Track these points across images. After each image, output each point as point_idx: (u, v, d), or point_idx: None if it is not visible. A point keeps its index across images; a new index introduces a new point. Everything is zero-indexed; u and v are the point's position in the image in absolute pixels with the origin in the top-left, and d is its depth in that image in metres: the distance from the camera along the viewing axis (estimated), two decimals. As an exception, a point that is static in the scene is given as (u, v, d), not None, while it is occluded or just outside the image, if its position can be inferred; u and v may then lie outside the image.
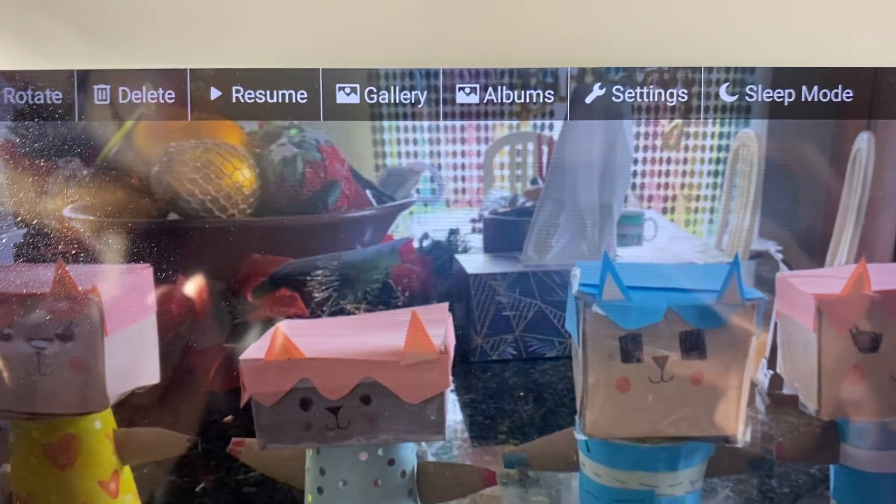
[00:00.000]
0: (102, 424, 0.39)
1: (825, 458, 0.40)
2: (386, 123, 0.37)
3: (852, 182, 0.37)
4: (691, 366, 0.38)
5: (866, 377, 0.39)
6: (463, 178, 0.38)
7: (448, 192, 0.38)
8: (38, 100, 0.37)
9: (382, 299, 0.38)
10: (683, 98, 0.37)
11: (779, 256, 0.38)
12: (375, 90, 0.37)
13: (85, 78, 0.37)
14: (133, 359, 0.38)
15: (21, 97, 0.37)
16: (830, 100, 0.37)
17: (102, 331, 0.38)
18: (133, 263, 0.38)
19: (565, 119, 0.37)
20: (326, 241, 0.37)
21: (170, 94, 0.37)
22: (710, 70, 0.37)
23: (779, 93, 0.37)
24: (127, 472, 0.39)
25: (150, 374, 0.39)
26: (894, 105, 0.37)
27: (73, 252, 0.38)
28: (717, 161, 0.37)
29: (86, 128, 0.37)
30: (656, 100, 0.37)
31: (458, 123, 0.37)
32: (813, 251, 0.38)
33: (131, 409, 0.38)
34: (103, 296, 0.38)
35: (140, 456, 0.39)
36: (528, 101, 0.37)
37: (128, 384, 0.39)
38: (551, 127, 0.37)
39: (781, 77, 0.37)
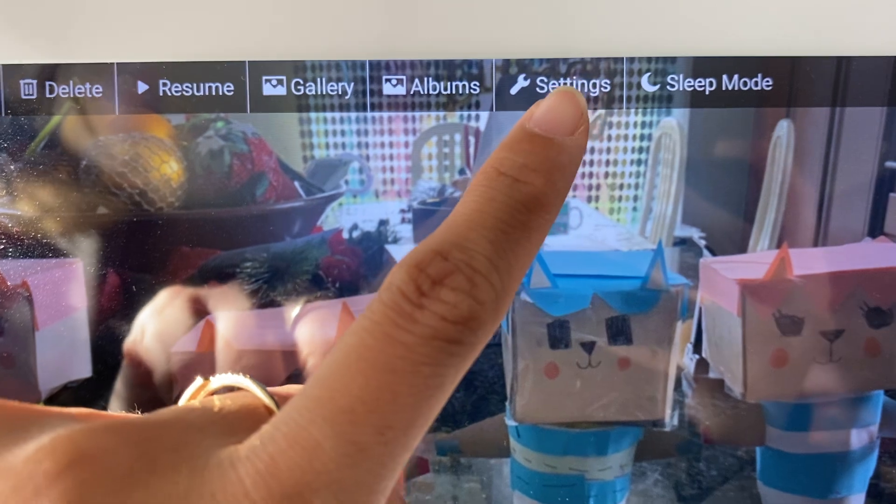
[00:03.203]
0: (34, 419, 0.40)
1: (751, 440, 0.42)
2: (313, 115, 0.39)
3: (773, 169, 0.40)
4: (618, 351, 0.40)
5: (790, 360, 0.41)
6: (391, 169, 0.40)
7: (377, 182, 0.40)
8: (-37, 95, 0.38)
9: (313, 290, 0.40)
10: (606, 88, 0.39)
11: (702, 242, 0.40)
12: (302, 82, 0.39)
13: (11, 73, 0.39)
14: (64, 353, 0.40)
15: (-55, 92, 0.38)
16: (750, 88, 0.39)
17: (33, 326, 0.40)
18: (62, 258, 0.39)
19: (491, 110, 0.39)
20: (255, 233, 0.39)
21: (97, 88, 0.39)
22: (631, 60, 0.39)
23: (700, 82, 0.39)
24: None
25: (81, 368, 0.40)
26: (812, 93, 0.40)
27: (1, 247, 0.39)
28: (640, 150, 0.39)
29: (12, 123, 0.39)
30: (580, 90, 0.39)
31: (385, 115, 0.39)
32: (735, 237, 0.40)
33: (63, 404, 0.40)
34: (33, 291, 0.39)
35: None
36: (454, 92, 0.39)
37: (59, 378, 0.40)
38: (477, 118, 0.39)
39: (702, 66, 0.39)
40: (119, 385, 0.40)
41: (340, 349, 0.17)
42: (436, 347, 0.16)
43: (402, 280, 0.17)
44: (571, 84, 0.39)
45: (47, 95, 0.39)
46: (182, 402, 0.19)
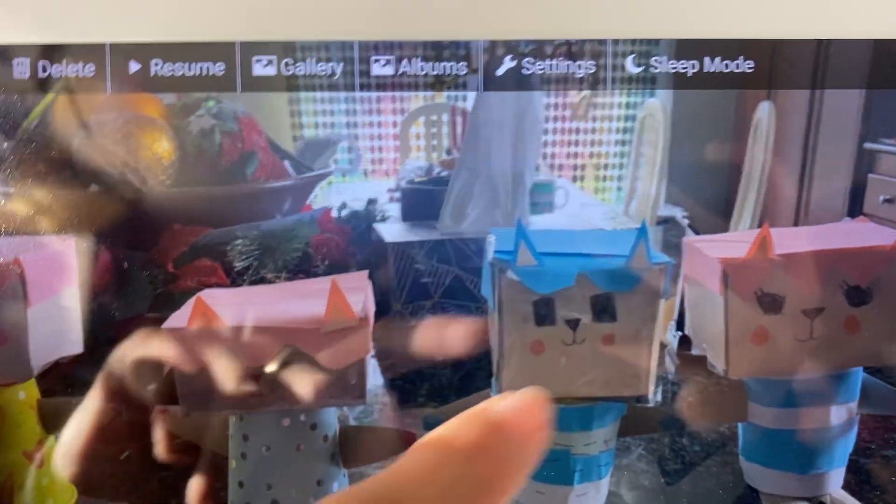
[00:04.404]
0: (26, 395, 0.41)
1: (733, 416, 0.43)
2: (303, 95, 0.40)
3: (754, 150, 0.41)
4: (603, 328, 0.42)
5: (771, 338, 0.42)
6: (380, 149, 0.41)
7: (365, 162, 0.41)
8: (-44, 73, 0.39)
9: (302, 268, 0.41)
10: (591, 70, 0.40)
11: (685, 222, 0.41)
12: (292, 62, 0.40)
13: (4, 52, 0.40)
14: (56, 329, 0.41)
15: (-61, 71, 0.39)
16: (732, 71, 0.41)
17: (25, 302, 0.41)
18: (55, 235, 0.40)
19: (478, 91, 0.40)
20: (246, 211, 0.40)
21: (89, 67, 0.40)
22: (616, 42, 0.40)
23: (682, 64, 0.40)
24: (52, 441, 0.42)
25: (73, 344, 0.41)
26: (793, 76, 0.41)
27: (-6, 224, 0.40)
28: (625, 131, 0.41)
29: (5, 101, 0.40)
30: (565, 72, 0.40)
31: (373, 95, 0.40)
32: (718, 216, 0.41)
33: (55, 379, 0.41)
34: (25, 267, 0.41)
35: (64, 425, 0.41)
36: (441, 73, 0.40)
37: (51, 354, 0.41)
38: (465, 98, 0.40)
39: (685, 49, 0.40)
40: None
41: None
42: None
43: None
44: (557, 65, 0.40)
45: (40, 75, 0.40)
46: None
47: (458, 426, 0.19)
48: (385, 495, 0.17)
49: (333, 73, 0.40)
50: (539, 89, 0.40)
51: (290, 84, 0.40)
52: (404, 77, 0.40)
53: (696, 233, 0.41)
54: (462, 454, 0.18)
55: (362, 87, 0.40)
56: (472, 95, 0.40)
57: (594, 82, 0.41)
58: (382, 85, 0.40)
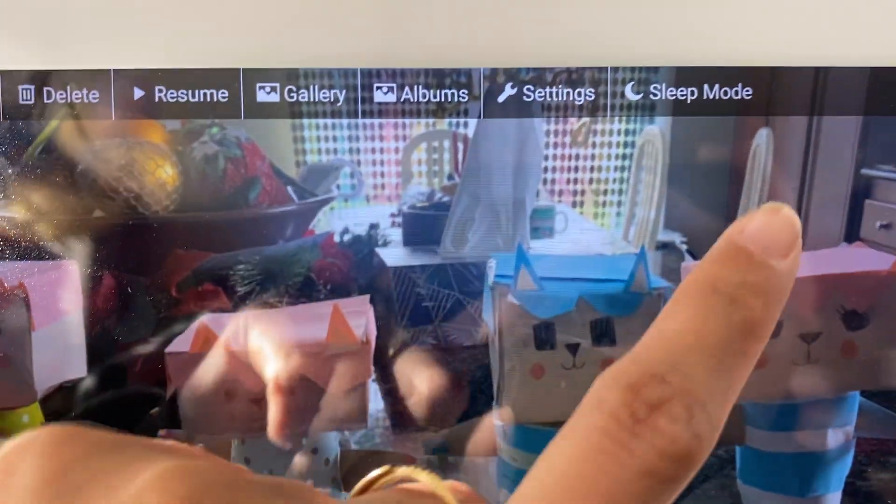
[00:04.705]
0: (30, 418, 0.42)
1: (731, 439, 0.44)
2: (306, 121, 0.41)
3: (752, 175, 0.42)
4: (602, 352, 0.42)
5: (768, 361, 0.43)
6: (382, 175, 0.41)
7: (368, 187, 0.41)
8: (-38, 100, 0.40)
9: (304, 293, 0.41)
10: (591, 97, 0.41)
11: (684, 247, 0.42)
12: (295, 89, 0.40)
13: (9, 78, 0.40)
14: (60, 353, 0.41)
15: (-55, 97, 0.40)
16: (731, 97, 0.41)
17: (30, 326, 0.41)
18: (59, 260, 0.41)
19: (479, 117, 0.41)
20: (248, 237, 0.41)
21: (94, 94, 0.40)
22: (615, 70, 0.41)
23: (682, 91, 0.41)
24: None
25: (77, 368, 0.42)
26: (791, 102, 0.41)
27: (-1, 249, 0.41)
28: (624, 157, 0.41)
29: (10, 127, 0.40)
30: (565, 99, 0.41)
31: (376, 121, 0.41)
32: (716, 241, 0.42)
33: (59, 403, 0.41)
34: (30, 292, 0.41)
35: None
36: (443, 100, 0.41)
37: (55, 378, 0.42)
38: (466, 125, 0.41)
39: (684, 76, 0.41)
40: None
41: (543, 472, 0.16)
42: (648, 485, 0.15)
43: (615, 403, 0.16)
44: (557, 92, 0.41)
45: (45, 101, 0.40)
46: (360, 486, 0.19)
47: (713, 264, 0.18)
48: (663, 357, 0.16)
49: (336, 100, 0.41)
50: (539, 116, 0.41)
51: (293, 111, 0.41)
52: (406, 104, 0.41)
53: (695, 258, 0.42)
54: (726, 298, 0.17)
55: (364, 114, 0.41)
56: (473, 122, 0.41)
57: (594, 109, 0.41)
58: (385, 112, 0.41)
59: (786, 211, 0.19)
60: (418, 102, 0.41)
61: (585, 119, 0.41)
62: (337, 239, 0.42)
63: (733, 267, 0.18)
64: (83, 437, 0.16)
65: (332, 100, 0.41)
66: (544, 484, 0.16)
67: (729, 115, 0.41)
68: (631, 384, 0.16)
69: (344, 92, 0.41)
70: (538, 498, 0.16)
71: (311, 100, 0.41)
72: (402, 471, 0.18)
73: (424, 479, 0.18)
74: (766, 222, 0.19)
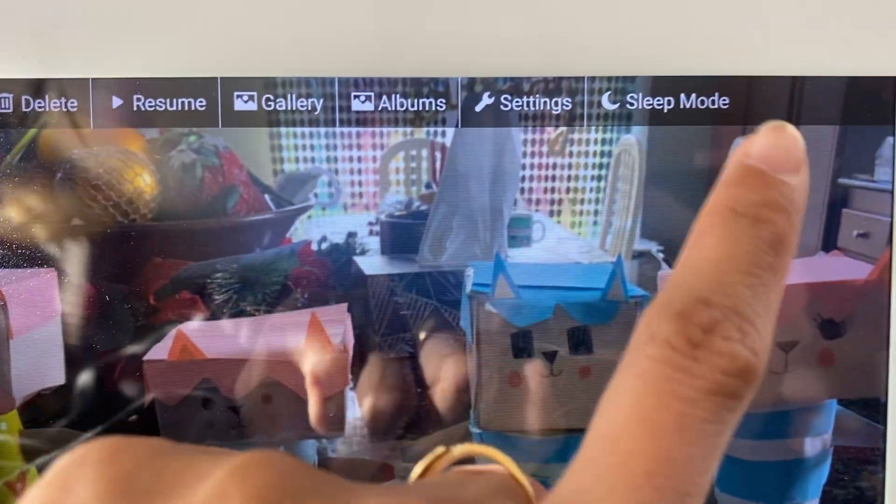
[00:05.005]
0: (8, 426, 0.42)
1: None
2: (283, 130, 0.41)
3: (729, 185, 0.42)
4: (579, 360, 0.42)
5: (746, 370, 0.43)
6: (360, 183, 0.41)
7: (345, 196, 0.41)
8: (-60, 108, 0.40)
9: (282, 301, 0.41)
10: (568, 107, 0.41)
11: (660, 256, 0.42)
12: (272, 98, 0.41)
13: (-13, 86, 0.40)
14: (38, 361, 0.41)
15: (-77, 106, 0.40)
16: (707, 107, 0.41)
17: (7, 334, 0.41)
18: (37, 268, 0.41)
19: (457, 126, 0.41)
20: (226, 245, 0.41)
21: (73, 102, 0.41)
22: (592, 79, 0.41)
23: (658, 100, 0.41)
24: (33, 473, 0.42)
25: (55, 375, 0.42)
26: (767, 111, 0.42)
27: (-23, 257, 0.41)
28: (601, 166, 0.42)
29: (-12, 135, 0.40)
30: (542, 108, 0.41)
31: (353, 130, 0.41)
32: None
33: (37, 410, 0.41)
34: (8, 300, 0.41)
35: (47, 457, 0.42)
36: (420, 109, 0.41)
37: (33, 386, 0.42)
38: (444, 134, 0.41)
39: (660, 85, 0.41)
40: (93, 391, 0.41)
41: (613, 411, 0.16)
42: (717, 403, 0.15)
43: (669, 332, 0.16)
44: (534, 102, 0.41)
45: (23, 109, 0.41)
46: (419, 469, 0.19)
47: (730, 188, 0.18)
48: (704, 284, 0.17)
49: (314, 109, 0.41)
50: (516, 125, 0.41)
51: (271, 119, 0.41)
52: (384, 113, 0.41)
53: (671, 267, 0.42)
54: (749, 218, 0.17)
55: (342, 123, 0.41)
56: (450, 131, 0.41)
57: (571, 119, 0.41)
58: (362, 120, 0.41)
59: (789, 129, 0.19)
60: (396, 111, 0.41)
61: (562, 128, 0.41)
62: (314, 247, 0.42)
63: (749, 188, 0.18)
64: (139, 443, 0.16)
65: (309, 108, 0.41)
66: (616, 421, 0.16)
67: (705, 124, 0.41)
68: (680, 312, 0.16)
69: (321, 101, 0.41)
70: (615, 435, 0.16)
71: (289, 108, 0.41)
72: (460, 449, 0.19)
73: (488, 453, 0.18)
74: (771, 141, 0.19)
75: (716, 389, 0.15)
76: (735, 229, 0.17)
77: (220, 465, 0.15)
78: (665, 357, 0.16)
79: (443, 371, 0.42)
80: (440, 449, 0.18)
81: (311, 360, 0.41)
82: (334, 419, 0.42)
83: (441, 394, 0.42)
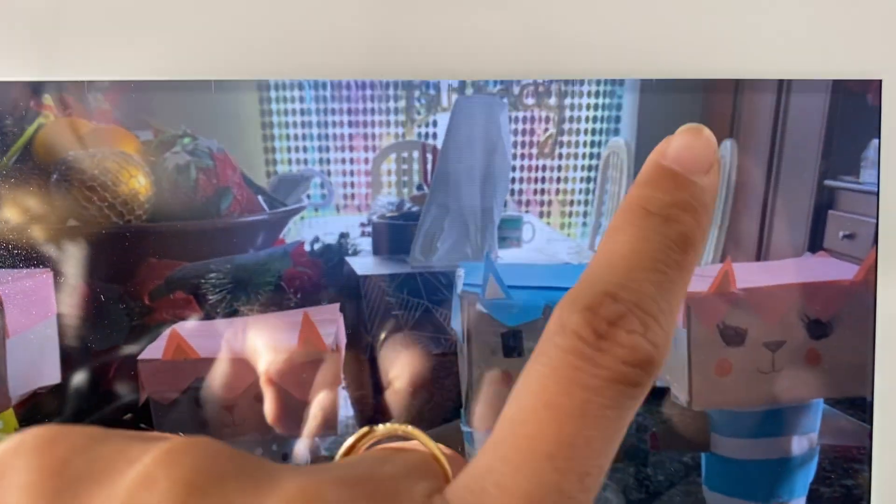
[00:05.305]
0: (4, 424, 0.42)
1: (696, 446, 0.44)
2: (277, 132, 0.41)
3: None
4: (568, 360, 0.43)
5: (733, 370, 0.43)
6: (352, 185, 0.42)
7: (338, 197, 0.42)
8: (-63, 111, 0.41)
9: (275, 301, 0.42)
10: (557, 109, 0.42)
11: (649, 257, 0.43)
12: (266, 100, 0.41)
13: (-16, 89, 0.41)
14: (34, 360, 0.42)
15: (-80, 108, 0.41)
16: (695, 109, 0.42)
17: (4, 333, 0.42)
18: (33, 268, 0.42)
19: (447, 129, 0.42)
20: (220, 246, 0.41)
21: (68, 104, 0.41)
22: (581, 82, 0.42)
23: (646, 103, 0.42)
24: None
25: (51, 374, 0.42)
26: (754, 114, 0.42)
27: (-26, 257, 0.41)
28: (590, 168, 0.42)
29: (-15, 137, 0.41)
30: (532, 111, 0.42)
31: (346, 132, 0.42)
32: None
33: (33, 409, 0.42)
34: (4, 300, 0.42)
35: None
36: (412, 111, 0.42)
37: (29, 385, 0.42)
38: (435, 136, 0.42)
39: (649, 88, 0.42)
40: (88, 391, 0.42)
41: (522, 396, 0.17)
42: (618, 391, 0.16)
43: (577, 324, 0.17)
44: (524, 104, 0.42)
45: (20, 111, 0.41)
46: (344, 448, 0.19)
47: (644, 188, 0.19)
48: (612, 279, 0.17)
49: (307, 112, 0.41)
50: (506, 128, 0.42)
51: (264, 121, 0.41)
52: (376, 115, 0.42)
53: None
54: (660, 217, 0.18)
55: (335, 125, 0.42)
56: (441, 133, 0.42)
57: (560, 121, 0.42)
58: (354, 123, 0.42)
59: (704, 131, 0.20)
60: (388, 114, 0.42)
61: (552, 131, 0.42)
62: (307, 248, 0.42)
63: (661, 188, 0.19)
64: (73, 431, 0.17)
65: (302, 111, 0.41)
66: (525, 404, 0.17)
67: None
68: (588, 305, 0.17)
69: (314, 103, 0.41)
70: (522, 419, 0.17)
71: (282, 111, 0.41)
72: (382, 429, 0.19)
73: (409, 432, 0.19)
74: (685, 143, 0.20)
75: (617, 378, 0.16)
76: (645, 227, 0.18)
77: (149, 450, 0.16)
78: (572, 347, 0.17)
79: (398, 370, 0.43)
80: (364, 429, 0.19)
81: (265, 360, 0.41)
82: (327, 418, 0.42)
83: (394, 394, 0.43)
